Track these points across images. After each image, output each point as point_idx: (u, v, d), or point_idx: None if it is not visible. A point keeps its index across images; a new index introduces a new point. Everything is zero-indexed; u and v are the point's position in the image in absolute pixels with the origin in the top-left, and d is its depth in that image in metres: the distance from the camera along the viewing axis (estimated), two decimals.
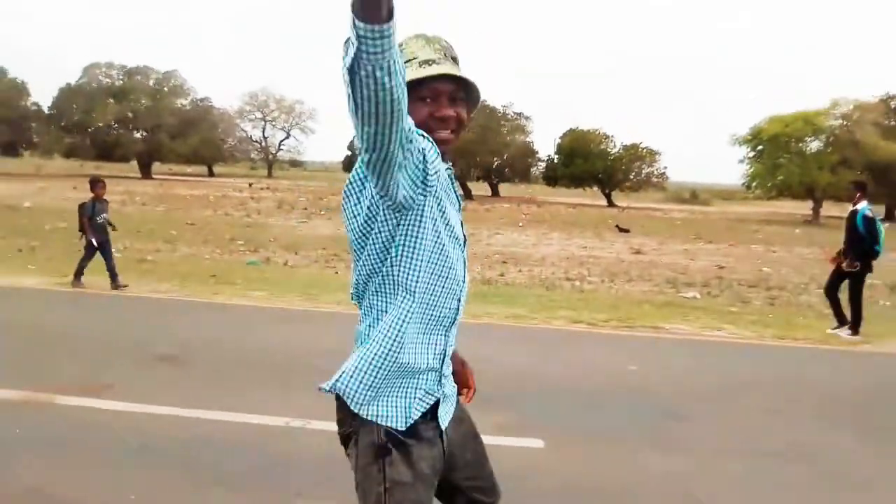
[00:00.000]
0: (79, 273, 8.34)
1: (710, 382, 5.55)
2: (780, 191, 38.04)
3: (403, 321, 1.65)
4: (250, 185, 43.14)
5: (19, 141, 50.03)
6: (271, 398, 4.56)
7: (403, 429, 1.68)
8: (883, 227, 7.96)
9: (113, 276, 8.36)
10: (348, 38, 1.31)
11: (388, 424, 1.68)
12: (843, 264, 7.79)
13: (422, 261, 1.63)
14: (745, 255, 17.66)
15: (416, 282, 1.64)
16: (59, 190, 29.76)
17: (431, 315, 1.69)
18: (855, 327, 7.70)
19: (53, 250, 11.87)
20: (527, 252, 15.91)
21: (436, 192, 1.61)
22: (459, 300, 1.76)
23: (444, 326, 1.74)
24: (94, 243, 8.35)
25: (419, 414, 1.70)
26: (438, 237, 1.64)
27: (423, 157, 1.56)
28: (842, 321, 7.81)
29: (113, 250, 8.76)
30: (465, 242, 1.76)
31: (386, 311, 1.66)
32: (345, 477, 3.46)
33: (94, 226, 8.41)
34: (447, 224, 1.67)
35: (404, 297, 1.65)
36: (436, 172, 1.60)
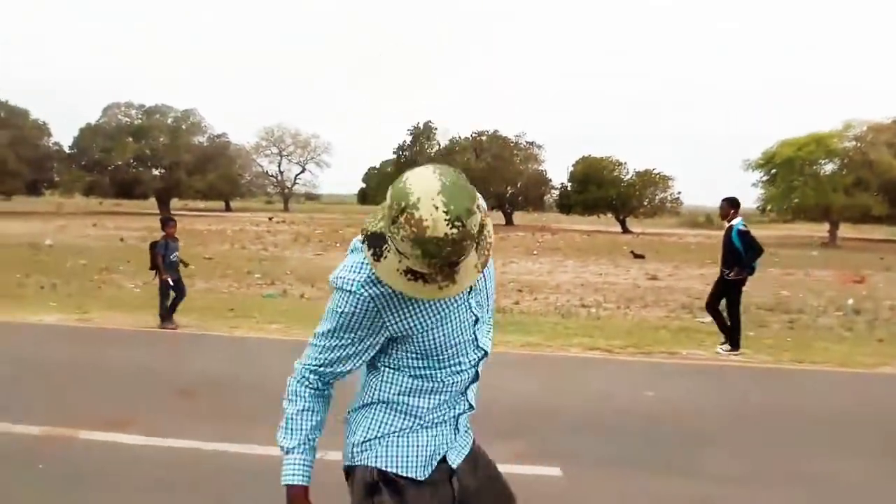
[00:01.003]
0: (165, 315, 8.38)
1: (727, 408, 5.52)
2: (796, 213, 37.90)
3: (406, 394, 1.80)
4: (270, 218, 43.58)
5: (41, 180, 50.91)
6: None
7: (395, 470, 1.75)
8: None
9: (169, 315, 8.41)
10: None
11: (380, 466, 1.76)
12: (728, 275, 7.94)
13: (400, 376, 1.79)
14: (761, 279, 17.53)
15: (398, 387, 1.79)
16: (79, 228, 30.27)
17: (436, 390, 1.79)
18: (733, 342, 7.83)
19: (73, 287, 12.06)
20: (542, 280, 15.92)
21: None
22: (472, 369, 1.82)
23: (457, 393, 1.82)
24: (170, 282, 8.43)
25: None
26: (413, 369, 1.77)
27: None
28: (733, 341, 7.87)
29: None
30: (479, 319, 1.80)
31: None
32: None
33: (167, 264, 8.50)
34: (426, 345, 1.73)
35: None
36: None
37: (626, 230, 44.48)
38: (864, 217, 37.12)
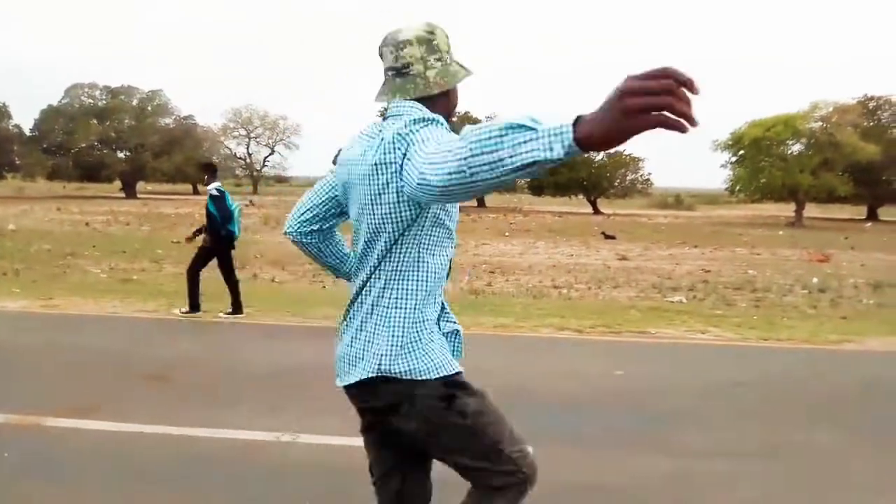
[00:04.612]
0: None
1: (694, 385, 5.60)
2: (764, 194, 38.40)
3: (424, 289, 1.87)
4: (251, 202, 42.78)
5: (1, 163, 49.62)
6: (260, 414, 4.57)
7: (452, 372, 1.90)
8: (238, 206, 8.28)
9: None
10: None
11: (440, 374, 1.87)
12: (205, 242, 8.08)
13: (436, 238, 1.87)
14: (729, 259, 17.82)
15: (432, 256, 1.86)
16: (43, 212, 29.58)
17: (439, 278, 1.92)
18: (236, 307, 7.97)
19: (38, 272, 11.80)
20: (514, 261, 15.97)
21: None
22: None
23: (443, 282, 1.97)
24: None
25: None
26: (439, 220, 1.86)
27: None
28: (193, 305, 7.97)
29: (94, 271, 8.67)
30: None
31: (407, 282, 1.86)
32: (337, 488, 3.49)
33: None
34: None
35: (421, 270, 1.86)
36: None
37: (597, 211, 44.77)
38: (830, 197, 37.81)
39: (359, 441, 3.66)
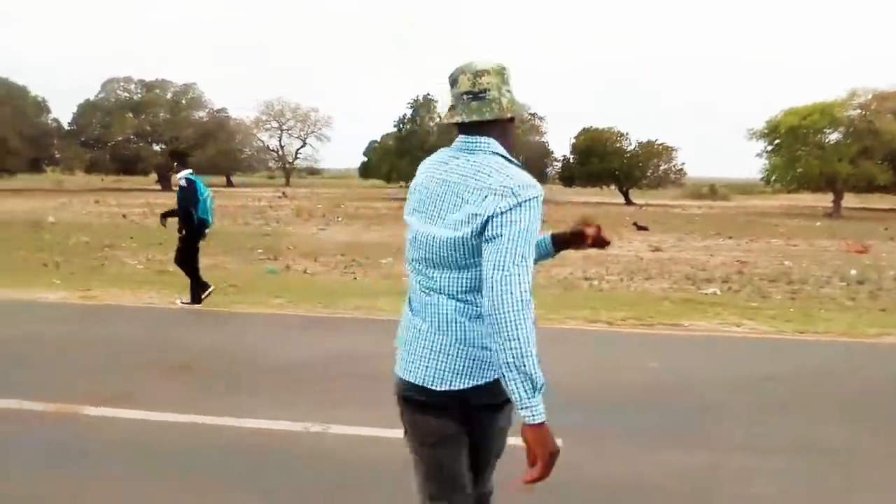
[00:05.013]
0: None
1: (729, 378, 5.53)
2: (800, 184, 37.61)
3: None
4: (283, 194, 43.24)
5: (42, 157, 50.74)
6: (292, 404, 4.62)
7: None
8: (210, 193, 8.22)
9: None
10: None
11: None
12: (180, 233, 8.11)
13: None
14: (765, 250, 17.53)
15: None
16: (81, 204, 30.24)
17: None
18: (194, 296, 7.98)
19: (76, 264, 12.07)
20: None
21: None
22: None
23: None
24: None
25: None
26: None
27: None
28: (202, 286, 8.07)
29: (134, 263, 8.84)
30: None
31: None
32: (365, 479, 3.52)
33: None
34: None
35: None
36: None
37: (629, 202, 44.32)
38: (869, 186, 36.91)
39: (385, 432, 3.71)
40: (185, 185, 8.00)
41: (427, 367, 1.96)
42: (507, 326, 1.80)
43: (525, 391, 1.81)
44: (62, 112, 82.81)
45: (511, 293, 1.80)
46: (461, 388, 1.94)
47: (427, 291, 2.00)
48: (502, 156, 2.00)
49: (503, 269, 1.82)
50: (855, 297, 10.08)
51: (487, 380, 1.95)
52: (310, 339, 6.68)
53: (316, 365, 5.64)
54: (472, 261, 1.91)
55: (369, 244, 17.00)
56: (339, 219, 25.85)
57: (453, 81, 2.04)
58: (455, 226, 1.91)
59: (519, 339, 1.80)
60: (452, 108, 2.05)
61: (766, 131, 37.73)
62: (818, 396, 5.11)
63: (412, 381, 1.98)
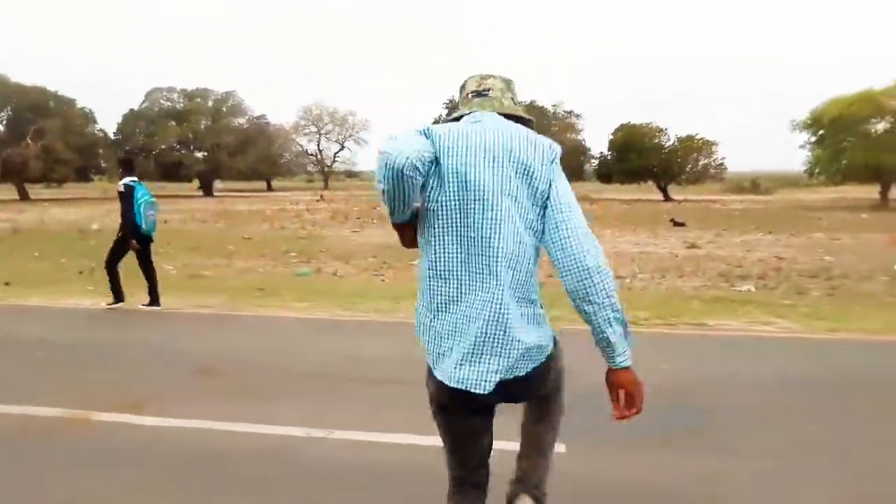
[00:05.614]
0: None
1: (747, 380, 5.36)
2: (845, 175, 36.49)
3: None
4: (321, 197, 43.85)
5: (89, 166, 52.21)
6: (302, 409, 4.63)
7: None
8: (149, 200, 8.23)
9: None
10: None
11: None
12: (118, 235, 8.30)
13: None
14: (806, 245, 17.03)
15: None
16: None
17: None
18: (153, 298, 8.19)
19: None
20: None
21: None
22: None
23: None
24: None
25: None
26: None
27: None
28: (117, 297, 8.24)
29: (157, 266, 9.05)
30: None
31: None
32: (361, 485, 3.50)
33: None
34: None
35: None
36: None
37: (667, 198, 43.61)
38: None
39: (387, 437, 3.67)
40: (122, 190, 8.22)
41: None
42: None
43: (625, 337, 2.05)
44: (107, 122, 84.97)
45: None
46: None
47: None
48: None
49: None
50: None
51: None
52: (322, 343, 6.70)
53: (330, 367, 5.65)
54: None
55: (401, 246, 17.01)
56: (374, 221, 25.98)
57: (462, 87, 2.25)
58: None
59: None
60: (457, 108, 2.23)
61: (809, 122, 36.72)
62: (841, 398, 4.92)
63: None
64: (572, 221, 2.00)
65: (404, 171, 1.86)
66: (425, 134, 1.98)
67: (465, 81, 2.25)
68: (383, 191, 1.92)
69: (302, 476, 3.63)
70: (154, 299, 8.33)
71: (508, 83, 2.22)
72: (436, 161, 1.96)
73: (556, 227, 2.00)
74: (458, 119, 2.16)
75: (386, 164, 1.87)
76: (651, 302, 8.85)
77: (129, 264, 8.53)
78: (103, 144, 53.15)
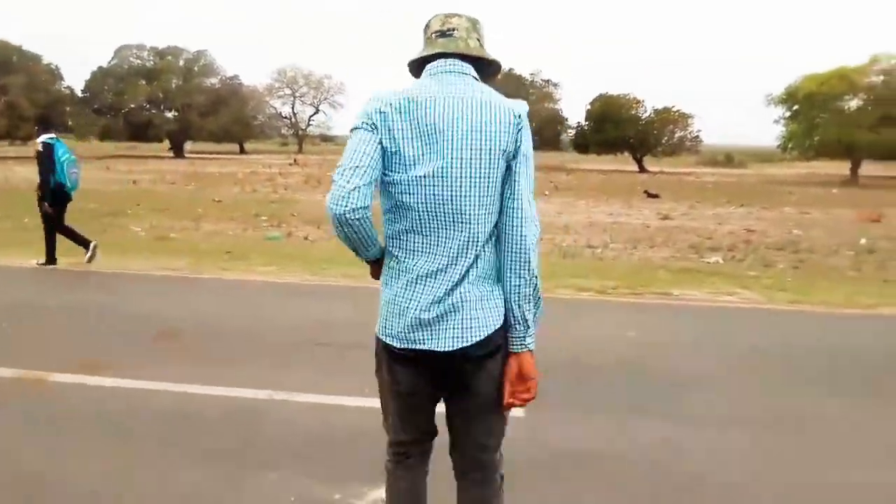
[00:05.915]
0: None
1: (708, 349, 5.42)
2: (818, 151, 36.92)
3: None
4: (295, 161, 43.26)
5: (55, 125, 50.96)
6: (261, 372, 4.59)
7: None
8: (71, 158, 8.19)
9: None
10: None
11: None
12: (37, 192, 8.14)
13: None
14: (777, 219, 17.24)
15: None
16: (92, 171, 30.21)
17: None
18: (49, 258, 8.07)
19: (78, 231, 12.06)
20: (550, 220, 15.69)
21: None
22: None
23: None
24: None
25: None
26: None
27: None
28: (84, 243, 8.22)
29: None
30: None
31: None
32: (318, 449, 3.47)
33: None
34: None
35: None
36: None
37: (643, 170, 43.82)
38: (891, 154, 36.14)
39: (352, 400, 3.64)
40: (41, 149, 7.99)
41: None
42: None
43: (535, 318, 2.02)
44: (73, 80, 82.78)
45: None
46: None
47: None
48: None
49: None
50: (861, 268, 9.88)
51: None
52: (289, 307, 6.64)
53: (294, 332, 5.61)
54: None
55: (375, 210, 16.91)
56: None
57: (426, 27, 2.10)
58: None
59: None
60: (423, 48, 2.09)
61: (784, 97, 36.98)
62: (798, 368, 5.00)
63: None
64: (520, 201, 1.96)
65: (347, 217, 1.83)
66: (374, 125, 1.90)
67: (430, 20, 2.12)
68: (340, 238, 1.92)
69: (264, 439, 3.60)
70: (50, 258, 8.17)
71: (474, 23, 2.10)
72: (386, 150, 1.92)
73: (506, 210, 1.97)
74: (420, 64, 2.07)
75: (330, 216, 1.86)
76: (621, 272, 8.91)
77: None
78: (70, 102, 51.83)
